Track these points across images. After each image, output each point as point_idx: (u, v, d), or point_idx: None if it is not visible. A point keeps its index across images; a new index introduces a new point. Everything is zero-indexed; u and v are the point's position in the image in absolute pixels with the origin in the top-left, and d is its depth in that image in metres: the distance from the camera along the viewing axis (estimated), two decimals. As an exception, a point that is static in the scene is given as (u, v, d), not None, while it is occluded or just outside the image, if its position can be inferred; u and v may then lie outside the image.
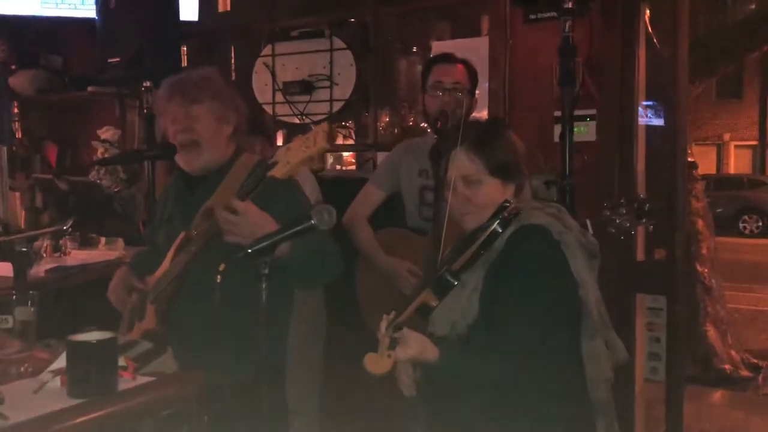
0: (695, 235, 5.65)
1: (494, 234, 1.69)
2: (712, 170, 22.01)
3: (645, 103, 3.44)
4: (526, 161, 1.90)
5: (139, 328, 2.11)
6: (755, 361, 5.94)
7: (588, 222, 2.26)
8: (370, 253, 2.79)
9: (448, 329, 1.73)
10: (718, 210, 13.90)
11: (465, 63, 2.79)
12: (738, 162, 23.93)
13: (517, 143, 1.88)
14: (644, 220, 2.32)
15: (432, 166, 1.94)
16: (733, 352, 5.78)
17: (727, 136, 23.92)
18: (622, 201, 2.33)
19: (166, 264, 2.10)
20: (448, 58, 2.80)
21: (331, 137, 1.77)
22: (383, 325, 1.63)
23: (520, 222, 1.74)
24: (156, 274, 2.13)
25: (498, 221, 1.68)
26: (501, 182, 1.82)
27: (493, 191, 1.80)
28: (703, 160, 18.77)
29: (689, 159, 5.55)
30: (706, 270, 5.70)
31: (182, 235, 2.08)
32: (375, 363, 1.59)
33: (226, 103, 2.17)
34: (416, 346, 1.59)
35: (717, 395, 5.25)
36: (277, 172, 1.80)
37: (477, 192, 1.80)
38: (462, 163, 1.80)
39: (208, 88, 2.14)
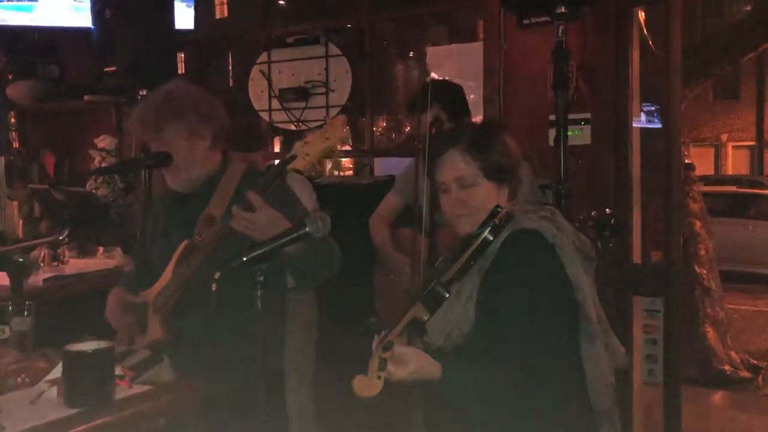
0: (693, 237, 5.65)
1: (485, 242, 1.64)
2: (711, 171, 21.99)
3: (640, 105, 3.44)
4: (520, 165, 1.86)
5: (144, 340, 2.08)
6: (755, 361, 5.94)
7: None
8: (381, 250, 2.93)
9: (443, 339, 1.68)
10: (717, 211, 13.93)
11: (440, 102, 2.70)
12: (736, 163, 23.92)
13: (512, 146, 1.83)
14: (606, 234, 2.31)
15: (422, 167, 1.91)
16: (732, 353, 5.78)
17: (724, 137, 23.92)
18: (591, 215, 2.32)
19: (168, 275, 2.07)
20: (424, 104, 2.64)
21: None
22: (375, 345, 1.57)
23: (513, 227, 1.69)
24: (156, 286, 2.10)
25: (489, 229, 1.63)
26: (496, 185, 1.77)
27: (488, 194, 1.75)
28: (701, 161, 18.78)
29: (686, 161, 5.57)
30: (704, 271, 5.69)
31: (185, 243, 2.06)
32: (364, 386, 1.51)
33: (196, 119, 2.08)
34: (413, 362, 1.54)
35: (717, 396, 5.24)
36: (298, 165, 1.79)
37: (472, 194, 1.75)
38: (457, 164, 1.75)
39: (171, 110, 2.06)
